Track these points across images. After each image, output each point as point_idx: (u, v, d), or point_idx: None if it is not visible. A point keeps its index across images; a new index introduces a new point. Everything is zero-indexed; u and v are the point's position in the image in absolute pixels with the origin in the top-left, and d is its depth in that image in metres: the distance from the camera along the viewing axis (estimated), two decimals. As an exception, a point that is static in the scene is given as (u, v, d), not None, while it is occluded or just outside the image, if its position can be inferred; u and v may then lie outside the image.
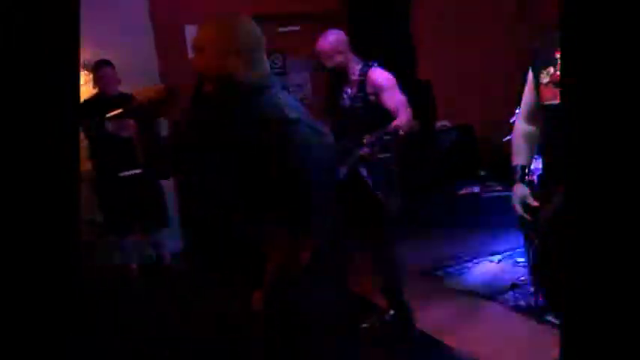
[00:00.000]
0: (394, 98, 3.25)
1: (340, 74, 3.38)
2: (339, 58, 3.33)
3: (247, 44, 1.79)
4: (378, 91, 3.27)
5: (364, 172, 3.29)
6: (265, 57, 1.85)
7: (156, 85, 1.99)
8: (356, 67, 3.35)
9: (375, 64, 3.36)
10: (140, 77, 4.31)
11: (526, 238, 2.95)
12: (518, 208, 2.41)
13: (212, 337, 3.43)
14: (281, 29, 5.50)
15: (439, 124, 6.07)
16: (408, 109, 3.25)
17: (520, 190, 2.42)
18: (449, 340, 3.20)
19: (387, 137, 3.14)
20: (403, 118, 3.22)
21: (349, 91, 3.36)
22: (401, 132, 3.13)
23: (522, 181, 2.46)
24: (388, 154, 3.28)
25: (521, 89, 2.57)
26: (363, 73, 3.31)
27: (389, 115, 3.21)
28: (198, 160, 2.03)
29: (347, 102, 3.39)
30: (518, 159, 2.49)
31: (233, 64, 1.77)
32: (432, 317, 3.52)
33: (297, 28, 5.57)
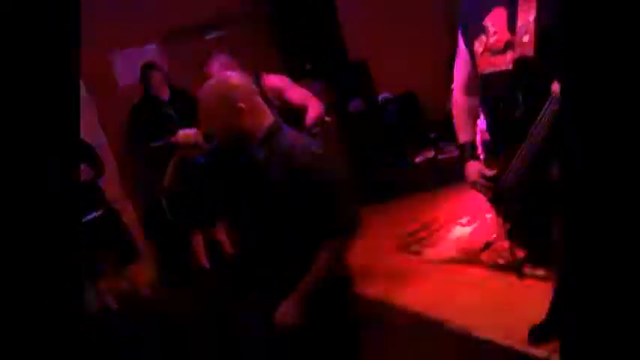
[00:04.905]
0: (297, 93, 3.29)
1: None
2: None
3: (243, 98, 1.96)
4: (278, 93, 3.29)
5: None
6: (262, 99, 2.04)
7: (196, 130, 2.11)
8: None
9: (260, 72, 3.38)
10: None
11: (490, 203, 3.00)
12: (479, 184, 2.40)
13: None
14: (208, 37, 5.41)
15: (381, 97, 6.12)
16: (314, 98, 3.31)
17: (474, 167, 2.40)
18: (439, 314, 3.26)
19: (316, 130, 3.23)
20: (315, 106, 3.26)
21: None
22: (327, 118, 3.19)
23: (472, 157, 2.44)
24: None
25: (452, 50, 2.54)
26: (257, 83, 3.27)
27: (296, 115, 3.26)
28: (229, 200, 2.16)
29: None
30: (465, 136, 2.46)
31: (238, 120, 1.95)
32: (417, 294, 3.60)
33: (222, 32, 5.50)
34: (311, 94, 3.34)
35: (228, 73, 2.11)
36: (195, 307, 4.28)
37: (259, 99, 2.04)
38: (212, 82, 2.02)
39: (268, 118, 2.04)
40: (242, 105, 1.95)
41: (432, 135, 5.99)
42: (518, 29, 2.10)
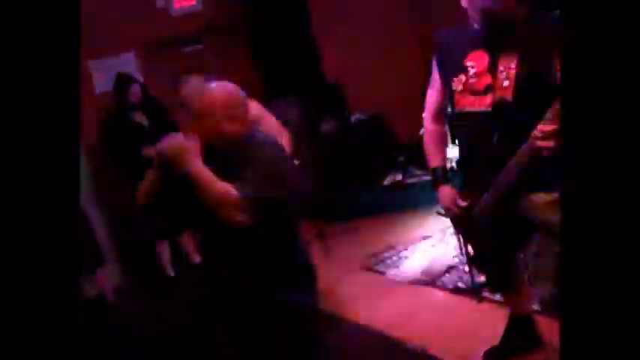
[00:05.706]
0: (269, 125, 3.34)
1: None
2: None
3: (238, 108, 2.15)
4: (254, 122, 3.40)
5: None
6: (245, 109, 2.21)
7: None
8: None
9: None
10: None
11: (457, 230, 3.12)
12: (451, 212, 2.55)
13: None
14: (184, 49, 5.48)
15: (354, 118, 6.23)
16: (283, 130, 3.41)
17: (447, 194, 2.54)
18: (399, 334, 3.36)
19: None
20: (286, 141, 3.34)
21: None
22: (295, 161, 3.32)
23: (445, 182, 2.58)
24: None
25: (425, 78, 2.66)
26: None
27: None
28: None
29: None
30: (436, 161, 2.59)
31: (231, 128, 2.12)
32: (379, 312, 3.69)
33: (199, 46, 5.57)
34: (281, 126, 3.41)
35: (227, 82, 2.23)
36: (159, 315, 4.30)
37: (247, 110, 2.21)
38: (213, 86, 2.20)
39: (249, 128, 2.21)
40: (235, 112, 2.13)
41: (401, 158, 6.12)
42: (499, 74, 2.22)
